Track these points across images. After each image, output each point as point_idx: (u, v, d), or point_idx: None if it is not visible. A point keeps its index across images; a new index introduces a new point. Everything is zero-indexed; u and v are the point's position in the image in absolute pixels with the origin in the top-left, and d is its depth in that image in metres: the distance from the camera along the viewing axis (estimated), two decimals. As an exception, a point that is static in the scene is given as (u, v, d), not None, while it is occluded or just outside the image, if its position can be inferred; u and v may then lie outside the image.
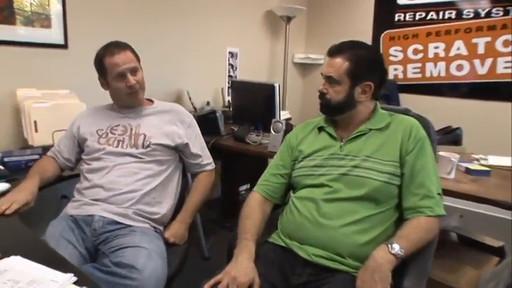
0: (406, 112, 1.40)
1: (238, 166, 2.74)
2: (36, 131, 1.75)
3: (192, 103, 2.64)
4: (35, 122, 1.74)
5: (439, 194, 1.20)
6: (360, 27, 3.42)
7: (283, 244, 1.25)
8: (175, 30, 2.74)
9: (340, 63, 1.24)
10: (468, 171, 1.83)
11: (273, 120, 2.13)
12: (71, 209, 1.42)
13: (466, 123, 2.53)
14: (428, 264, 1.18)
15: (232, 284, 1.06)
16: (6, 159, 1.57)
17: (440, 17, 3.12)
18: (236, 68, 3.29)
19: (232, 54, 3.23)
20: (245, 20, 3.32)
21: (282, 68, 3.54)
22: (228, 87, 3.09)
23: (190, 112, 2.47)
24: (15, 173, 1.51)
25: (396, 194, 1.21)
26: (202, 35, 2.94)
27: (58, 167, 1.56)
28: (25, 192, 1.31)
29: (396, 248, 1.07)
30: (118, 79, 1.47)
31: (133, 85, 1.48)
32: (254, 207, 1.33)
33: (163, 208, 1.48)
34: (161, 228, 1.47)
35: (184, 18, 2.78)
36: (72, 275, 0.86)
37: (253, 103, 2.45)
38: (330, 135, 1.33)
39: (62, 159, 1.56)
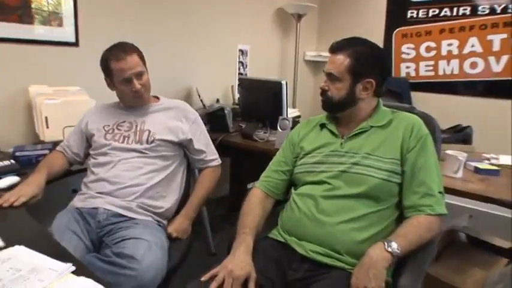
0: (411, 110, 1.39)
1: (246, 163, 2.76)
2: (47, 126, 1.80)
3: (201, 100, 2.66)
4: (46, 118, 1.80)
5: (440, 192, 1.19)
6: (372, 25, 3.38)
7: (282, 240, 1.26)
8: (186, 27, 2.77)
9: (341, 60, 1.24)
10: (477, 170, 1.80)
11: (280, 117, 2.14)
12: (77, 201, 1.46)
13: (480, 121, 2.48)
14: (427, 264, 1.17)
15: (228, 278, 1.07)
16: (17, 154, 1.61)
17: (455, 13, 3.06)
18: (246, 65, 3.30)
19: (242, 52, 3.24)
20: (256, 18, 3.33)
21: (292, 65, 3.53)
22: (238, 85, 3.11)
23: (199, 109, 2.52)
24: (26, 167, 1.55)
25: (397, 192, 1.20)
26: (212, 32, 2.96)
27: (67, 161, 1.60)
28: (33, 185, 1.35)
29: (393, 246, 1.07)
30: (124, 83, 1.51)
31: (138, 90, 1.52)
32: (255, 203, 1.34)
33: (167, 202, 1.51)
34: (165, 222, 1.50)
35: (195, 15, 2.81)
36: (70, 264, 0.89)
37: (261, 100, 2.46)
38: (332, 132, 1.33)
39: (71, 154, 1.61)
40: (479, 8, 2.97)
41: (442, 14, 3.12)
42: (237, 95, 3.09)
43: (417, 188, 1.17)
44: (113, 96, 1.63)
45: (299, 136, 1.40)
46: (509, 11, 2.86)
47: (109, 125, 1.57)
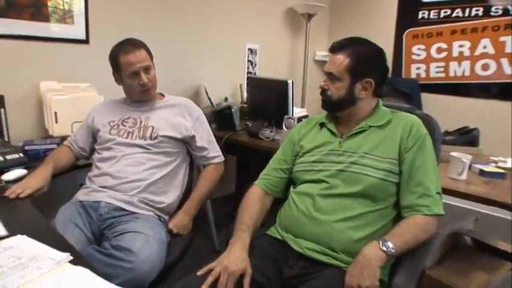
0: (411, 110, 1.38)
1: (253, 162, 2.76)
2: (56, 121, 1.85)
3: (209, 98, 2.68)
4: (56, 113, 1.85)
5: (438, 193, 1.18)
6: (383, 25, 3.35)
7: (279, 237, 1.27)
8: (195, 26, 2.80)
9: (341, 59, 1.25)
10: (482, 173, 1.78)
11: (285, 116, 2.14)
12: (80, 195, 1.50)
13: (490, 124, 2.44)
14: (421, 264, 1.17)
15: (224, 273, 1.08)
16: (26, 148, 1.66)
17: (467, 14, 3.01)
18: (255, 64, 3.30)
19: (251, 51, 3.25)
20: (265, 17, 3.33)
21: (302, 65, 3.53)
22: (246, 84, 3.11)
23: (207, 107, 2.53)
24: (34, 160, 1.59)
25: (394, 191, 1.20)
26: (221, 31, 2.98)
27: (73, 155, 1.65)
28: (39, 178, 1.39)
29: (388, 245, 1.07)
30: (132, 77, 1.55)
31: (146, 83, 1.55)
32: (253, 200, 1.35)
33: (169, 198, 1.53)
34: (166, 217, 1.52)
35: (204, 14, 2.83)
36: (68, 254, 0.92)
37: (267, 99, 2.47)
38: (331, 131, 1.33)
39: (77, 148, 1.65)
40: (492, 8, 2.91)
41: (454, 14, 3.07)
42: (245, 94, 3.10)
43: (414, 188, 1.17)
44: (120, 93, 1.67)
45: (299, 135, 1.41)
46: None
47: (114, 121, 1.61)
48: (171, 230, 1.48)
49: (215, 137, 1.75)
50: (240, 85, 3.11)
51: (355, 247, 1.12)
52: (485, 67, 2.98)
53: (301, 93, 3.50)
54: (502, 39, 2.90)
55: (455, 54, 3.07)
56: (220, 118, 2.54)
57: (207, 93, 2.69)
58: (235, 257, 1.12)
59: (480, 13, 2.96)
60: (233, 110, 2.50)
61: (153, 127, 1.57)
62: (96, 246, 1.29)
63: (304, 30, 3.47)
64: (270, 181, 1.39)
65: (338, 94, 1.27)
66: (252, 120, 2.53)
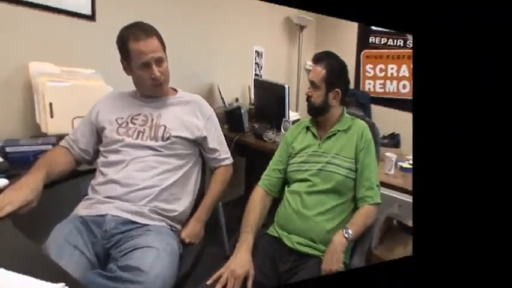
0: (363, 117, 1.12)
1: (262, 164, 1.99)
2: (51, 115, 1.01)
3: (222, 98, 1.80)
4: (51, 104, 1.01)
5: (377, 185, 1.00)
6: (352, 45, 2.71)
7: (276, 235, 0.98)
8: (210, 20, 1.82)
9: (319, 70, 1.00)
10: (401, 168, 1.66)
11: (283, 119, 1.57)
12: (81, 209, 0.89)
13: (408, 130, 2.05)
14: (367, 244, 0.96)
15: (231, 277, 0.81)
16: (8, 149, 0.87)
17: (395, 43, 2.62)
18: (262, 67, 2.45)
19: (258, 53, 2.40)
20: (270, 21, 2.42)
21: (296, 72, 2.73)
22: (253, 86, 2.18)
23: (219, 107, 1.76)
24: (19, 167, 0.84)
25: (352, 186, 1.00)
26: (231, 30, 2.01)
27: (73, 159, 0.94)
28: (25, 189, 0.75)
29: (349, 232, 0.88)
30: (142, 68, 0.91)
31: (158, 77, 0.92)
32: (257, 200, 1.01)
33: (182, 205, 0.96)
34: (178, 226, 0.97)
35: (218, 9, 1.86)
36: (63, 284, 0.48)
37: (270, 102, 1.85)
38: (313, 134, 1.06)
39: (78, 150, 0.94)
40: (408, 42, 2.54)
41: (389, 43, 2.64)
42: (253, 96, 2.22)
43: (364, 182, 0.98)
44: (132, 85, 0.97)
45: (292, 137, 1.09)
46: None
47: (122, 118, 0.96)
48: (183, 240, 0.92)
49: (226, 138, 1.15)
50: (249, 86, 2.25)
51: (328, 237, 0.91)
52: (404, 86, 2.58)
53: (295, 98, 2.69)
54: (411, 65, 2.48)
55: (389, 74, 2.70)
56: (230, 119, 1.82)
57: (220, 93, 1.81)
58: (240, 260, 0.85)
59: (402, 44, 2.58)
60: (242, 111, 1.79)
61: (165, 126, 0.95)
62: (99, 271, 0.76)
63: (297, 40, 2.65)
64: (269, 181, 1.05)
65: (318, 101, 1.01)
66: (258, 122, 1.86)
